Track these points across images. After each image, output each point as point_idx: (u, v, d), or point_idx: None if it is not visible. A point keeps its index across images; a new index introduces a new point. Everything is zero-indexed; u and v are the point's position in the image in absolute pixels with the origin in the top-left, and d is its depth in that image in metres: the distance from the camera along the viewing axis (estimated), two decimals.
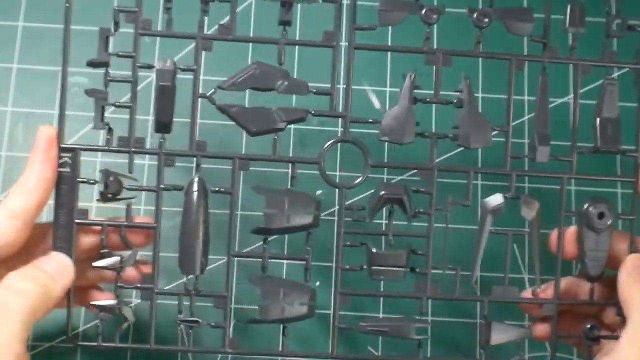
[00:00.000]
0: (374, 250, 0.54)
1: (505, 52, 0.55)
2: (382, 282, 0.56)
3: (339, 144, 0.55)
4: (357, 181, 0.54)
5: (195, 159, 0.54)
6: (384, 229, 0.57)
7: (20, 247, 0.51)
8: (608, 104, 0.55)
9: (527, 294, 0.56)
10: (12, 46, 0.69)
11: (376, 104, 0.66)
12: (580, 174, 0.55)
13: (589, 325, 0.55)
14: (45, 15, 0.65)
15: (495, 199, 0.55)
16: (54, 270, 0.51)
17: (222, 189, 0.54)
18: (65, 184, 0.53)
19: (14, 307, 0.48)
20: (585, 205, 0.55)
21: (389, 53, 0.66)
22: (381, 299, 0.63)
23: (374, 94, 0.66)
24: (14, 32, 0.68)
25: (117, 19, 0.53)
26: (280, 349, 0.55)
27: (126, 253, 0.54)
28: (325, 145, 0.54)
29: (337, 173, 0.64)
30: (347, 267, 0.55)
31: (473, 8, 0.54)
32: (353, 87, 0.54)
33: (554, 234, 0.55)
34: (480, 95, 0.65)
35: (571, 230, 0.55)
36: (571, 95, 0.60)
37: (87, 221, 0.53)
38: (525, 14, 0.54)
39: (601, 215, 0.54)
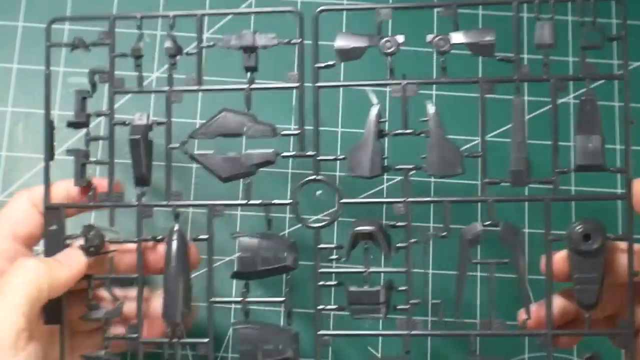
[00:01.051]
0: (350, 288, 0.54)
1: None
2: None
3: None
4: (329, 220, 0.55)
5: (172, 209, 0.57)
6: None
7: None
8: (588, 119, 0.53)
9: (521, 315, 0.55)
10: (12, 46, 0.71)
11: (374, 99, 0.66)
12: (563, 195, 0.54)
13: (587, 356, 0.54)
14: (45, 15, 0.65)
15: (474, 228, 0.54)
16: (64, 258, 0.55)
17: (200, 237, 0.56)
18: (52, 240, 0.56)
19: (18, 281, 0.52)
20: (572, 227, 0.53)
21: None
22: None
23: (373, 92, 0.67)
24: (14, 32, 0.71)
25: (92, 80, 0.57)
26: None
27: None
28: (296, 186, 0.56)
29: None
30: (327, 307, 0.55)
31: (433, 34, 0.54)
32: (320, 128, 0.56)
33: (542, 261, 0.55)
34: None
35: (560, 255, 0.54)
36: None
37: None
38: (486, 35, 0.54)
39: (587, 237, 0.52)
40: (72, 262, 0.55)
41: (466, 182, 0.62)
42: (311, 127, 0.56)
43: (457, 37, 0.54)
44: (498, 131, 0.62)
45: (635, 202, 0.53)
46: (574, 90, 0.61)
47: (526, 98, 0.62)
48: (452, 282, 0.55)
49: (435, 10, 0.66)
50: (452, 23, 0.55)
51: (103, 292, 0.58)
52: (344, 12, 0.67)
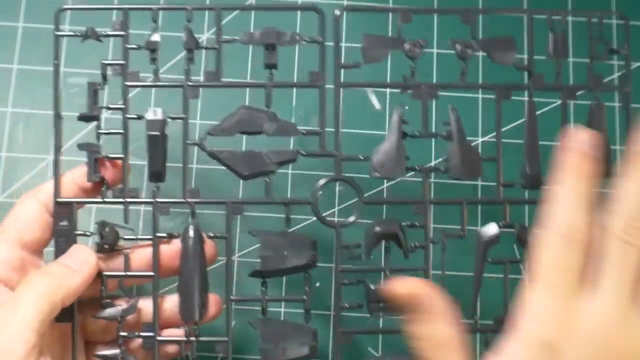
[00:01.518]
0: (371, 286, 0.56)
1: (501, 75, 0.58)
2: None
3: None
4: (351, 219, 0.57)
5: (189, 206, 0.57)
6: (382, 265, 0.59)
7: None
8: (596, 129, 0.56)
9: None
10: (12, 46, 0.71)
11: (376, 104, 0.68)
12: None
13: None
14: (45, 16, 0.66)
15: (491, 229, 0.57)
16: (74, 262, 0.54)
17: (217, 235, 0.56)
18: (62, 237, 0.55)
19: (26, 298, 0.50)
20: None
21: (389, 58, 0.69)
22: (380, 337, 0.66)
23: (374, 94, 0.69)
24: (14, 32, 0.70)
25: (104, 72, 0.56)
26: None
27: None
28: (318, 185, 0.57)
29: (336, 208, 0.67)
30: (346, 305, 0.57)
31: (456, 40, 0.57)
32: (342, 130, 0.57)
33: None
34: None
35: None
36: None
37: None
38: (508, 44, 0.57)
39: None
40: (81, 264, 0.54)
41: (474, 183, 0.66)
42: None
43: (481, 45, 0.57)
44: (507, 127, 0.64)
45: None
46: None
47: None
48: (468, 283, 0.58)
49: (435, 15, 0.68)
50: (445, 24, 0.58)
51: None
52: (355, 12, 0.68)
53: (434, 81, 0.67)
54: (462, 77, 0.57)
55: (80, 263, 0.54)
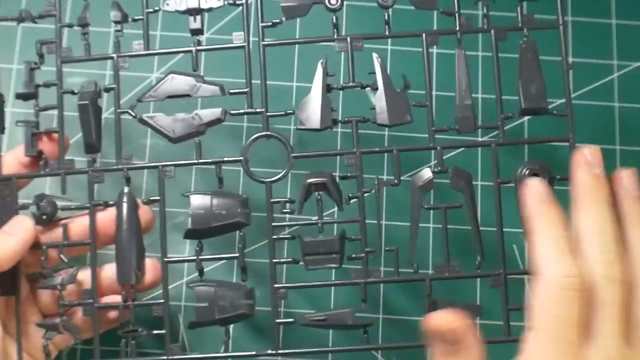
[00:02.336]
0: (305, 239, 0.57)
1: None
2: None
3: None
4: (280, 174, 0.58)
5: (122, 172, 0.58)
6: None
7: None
8: (528, 65, 0.57)
9: None
10: (12, 46, 0.73)
11: (373, 100, 0.70)
12: (510, 139, 0.57)
13: None
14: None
15: (424, 174, 0.57)
16: (11, 228, 0.57)
17: (151, 198, 0.58)
18: (5, 212, 0.58)
19: None
20: (520, 168, 0.56)
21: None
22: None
23: (373, 93, 0.70)
24: (14, 32, 0.73)
25: (39, 51, 0.59)
26: (222, 350, 0.58)
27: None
28: (247, 143, 0.58)
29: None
30: (281, 260, 0.57)
31: None
32: (268, 82, 0.58)
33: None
34: None
35: None
36: None
37: None
38: None
39: (535, 175, 0.55)
40: (19, 231, 0.57)
41: (413, 135, 0.65)
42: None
43: None
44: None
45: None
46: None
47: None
48: (405, 232, 0.57)
49: None
50: None
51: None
52: None
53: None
54: (386, 27, 0.58)
55: (17, 228, 0.57)
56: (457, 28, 0.58)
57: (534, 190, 0.53)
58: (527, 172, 0.56)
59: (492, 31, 0.58)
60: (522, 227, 0.52)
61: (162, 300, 0.57)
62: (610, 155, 0.64)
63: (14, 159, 0.60)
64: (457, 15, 0.58)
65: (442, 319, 0.49)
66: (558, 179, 0.56)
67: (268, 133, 0.58)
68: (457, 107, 0.57)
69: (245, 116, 0.60)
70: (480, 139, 0.63)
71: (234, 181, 0.66)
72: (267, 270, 0.58)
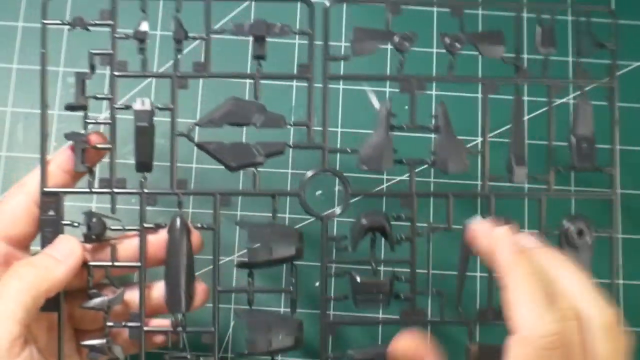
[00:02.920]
0: (358, 279, 0.59)
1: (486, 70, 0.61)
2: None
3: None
4: (337, 211, 0.60)
5: (177, 197, 0.59)
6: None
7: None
8: (582, 121, 0.60)
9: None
10: (12, 46, 0.73)
11: (376, 104, 0.71)
12: (558, 192, 0.61)
13: None
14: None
15: (476, 222, 0.59)
16: (59, 252, 0.56)
17: (204, 225, 0.59)
18: (49, 228, 0.57)
19: (10, 289, 0.53)
20: (564, 223, 0.60)
21: (388, 55, 0.71)
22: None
23: (374, 93, 0.71)
24: (14, 32, 0.73)
25: (92, 61, 0.58)
26: None
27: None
28: (306, 177, 0.59)
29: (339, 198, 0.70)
30: (332, 297, 0.60)
31: (445, 33, 0.59)
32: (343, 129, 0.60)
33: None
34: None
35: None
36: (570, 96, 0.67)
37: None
38: (496, 38, 0.59)
39: (580, 233, 0.59)
40: (66, 255, 0.56)
41: (461, 182, 0.67)
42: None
43: (469, 39, 0.59)
44: (497, 132, 0.66)
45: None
46: (573, 90, 0.67)
47: (526, 98, 0.68)
48: (452, 277, 0.60)
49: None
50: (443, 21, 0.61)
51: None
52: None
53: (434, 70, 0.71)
54: (450, 71, 0.60)
55: (65, 253, 0.56)
56: (517, 76, 0.60)
57: (506, 239, 0.54)
58: (573, 229, 0.59)
59: (550, 86, 0.60)
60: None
61: (211, 329, 0.59)
62: (611, 155, 0.67)
63: (58, 169, 0.59)
64: (517, 63, 0.60)
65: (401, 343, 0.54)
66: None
67: (328, 169, 0.59)
68: (511, 156, 0.60)
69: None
70: (527, 187, 0.64)
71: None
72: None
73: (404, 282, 0.60)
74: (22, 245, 0.58)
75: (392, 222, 0.60)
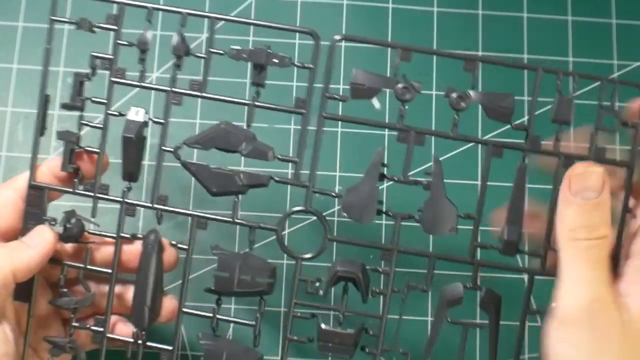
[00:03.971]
0: (322, 326, 0.59)
1: None
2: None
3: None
4: (314, 254, 0.59)
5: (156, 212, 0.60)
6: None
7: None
8: None
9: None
10: (12, 46, 0.76)
11: (376, 104, 0.70)
12: (550, 271, 0.58)
13: None
14: (45, 15, 0.68)
15: (455, 289, 0.59)
16: (32, 240, 0.59)
17: (178, 244, 0.60)
18: (31, 221, 0.60)
19: None
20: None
21: (389, 54, 0.70)
22: None
23: (379, 104, 0.70)
24: (14, 32, 0.75)
25: (93, 64, 0.59)
26: None
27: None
28: (284, 215, 0.60)
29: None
30: (295, 338, 0.60)
31: (452, 89, 0.57)
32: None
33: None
34: None
35: None
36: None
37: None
38: (505, 100, 0.57)
39: None
40: (38, 242, 0.59)
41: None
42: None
43: (476, 97, 0.57)
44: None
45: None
46: None
47: None
48: (425, 332, 0.60)
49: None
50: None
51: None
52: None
53: (433, 121, 0.70)
54: (454, 128, 0.58)
55: (37, 241, 0.59)
56: (525, 144, 0.58)
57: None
58: None
59: (561, 158, 0.58)
60: None
61: (171, 348, 0.60)
62: (611, 155, 0.65)
63: (48, 170, 0.61)
64: (526, 131, 0.58)
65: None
66: None
67: (309, 210, 0.59)
68: (506, 226, 0.58)
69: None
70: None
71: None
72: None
73: (371, 335, 0.60)
74: (9, 238, 0.60)
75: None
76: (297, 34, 0.68)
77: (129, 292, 0.63)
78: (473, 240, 0.59)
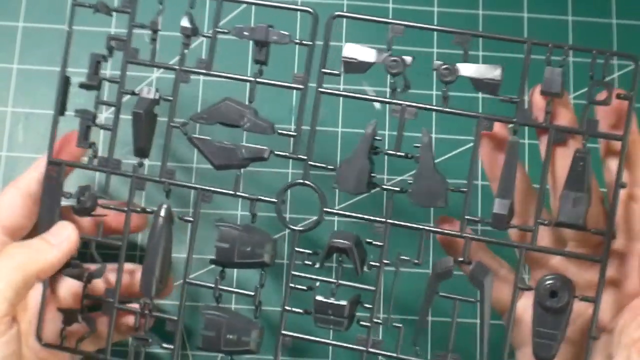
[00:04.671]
0: (317, 297, 0.64)
1: None
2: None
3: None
4: (309, 225, 0.65)
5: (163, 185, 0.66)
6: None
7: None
8: (577, 177, 0.61)
9: None
10: (12, 46, 0.81)
11: (376, 105, 0.76)
12: (539, 247, 0.62)
13: None
14: (45, 15, 0.76)
15: (445, 262, 0.63)
16: (55, 238, 0.66)
17: (185, 218, 0.66)
18: (48, 196, 0.67)
19: (4, 269, 0.62)
20: (541, 279, 0.61)
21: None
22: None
23: (375, 94, 0.76)
24: (14, 32, 0.81)
25: (109, 45, 0.67)
26: None
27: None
28: (282, 188, 0.65)
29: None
30: (293, 310, 0.65)
31: (440, 63, 0.62)
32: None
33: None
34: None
35: None
36: None
37: None
38: (492, 72, 0.62)
39: (554, 294, 0.61)
40: (62, 241, 0.65)
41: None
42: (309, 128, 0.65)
43: (464, 69, 0.62)
44: None
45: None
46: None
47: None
48: (418, 306, 0.64)
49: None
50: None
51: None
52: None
53: (433, 121, 0.76)
54: (444, 101, 0.62)
55: (60, 239, 0.66)
56: (515, 118, 0.62)
57: None
58: (548, 285, 0.61)
59: (551, 131, 0.62)
60: None
61: (176, 318, 0.66)
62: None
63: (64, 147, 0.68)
64: (518, 103, 0.62)
65: None
66: (580, 299, 0.61)
67: (305, 182, 0.65)
68: (496, 201, 0.62)
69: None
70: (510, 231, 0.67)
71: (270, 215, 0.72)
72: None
73: (364, 307, 0.64)
74: (17, 235, 0.67)
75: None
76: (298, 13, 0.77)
77: (137, 274, 0.69)
78: (463, 214, 0.62)
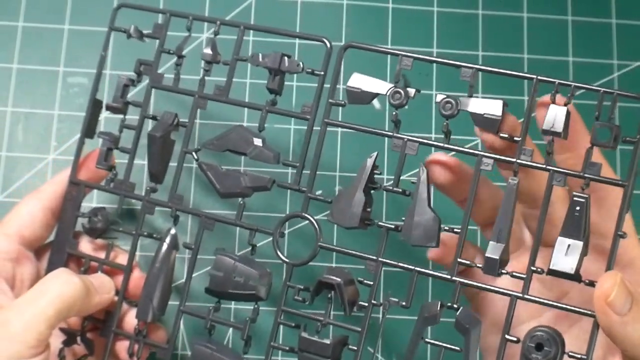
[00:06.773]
0: (302, 334, 0.68)
1: None
2: None
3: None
4: (304, 260, 0.70)
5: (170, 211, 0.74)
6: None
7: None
8: (574, 223, 0.63)
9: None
10: (12, 46, 0.88)
11: (376, 104, 0.80)
12: (531, 296, 0.64)
13: None
14: (45, 15, 0.82)
15: (432, 306, 0.65)
16: (100, 285, 0.73)
17: (188, 244, 0.73)
18: (66, 213, 0.76)
19: (55, 292, 0.68)
20: (530, 330, 0.63)
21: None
22: None
23: (380, 106, 0.81)
24: (14, 32, 0.88)
25: (137, 70, 0.75)
26: None
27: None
28: (280, 220, 0.70)
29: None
30: (280, 346, 0.70)
31: (444, 95, 0.66)
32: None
33: None
34: None
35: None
36: None
37: (74, 252, 0.76)
38: (491, 108, 0.65)
39: (539, 347, 0.62)
40: (105, 292, 0.74)
41: None
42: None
43: (465, 103, 0.66)
44: None
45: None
46: None
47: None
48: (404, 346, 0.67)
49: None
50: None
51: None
52: None
53: (433, 120, 0.81)
54: (445, 137, 0.67)
55: (105, 289, 0.74)
56: (516, 158, 0.65)
57: None
58: (534, 337, 0.63)
59: (550, 172, 0.64)
60: None
61: (166, 345, 0.73)
62: (612, 156, 0.72)
63: (85, 167, 0.77)
64: (519, 143, 0.65)
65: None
66: (569, 354, 0.63)
67: (303, 215, 0.70)
68: (490, 244, 0.65)
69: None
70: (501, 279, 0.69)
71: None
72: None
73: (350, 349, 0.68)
74: (33, 246, 0.76)
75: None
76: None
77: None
78: (456, 257, 0.66)
